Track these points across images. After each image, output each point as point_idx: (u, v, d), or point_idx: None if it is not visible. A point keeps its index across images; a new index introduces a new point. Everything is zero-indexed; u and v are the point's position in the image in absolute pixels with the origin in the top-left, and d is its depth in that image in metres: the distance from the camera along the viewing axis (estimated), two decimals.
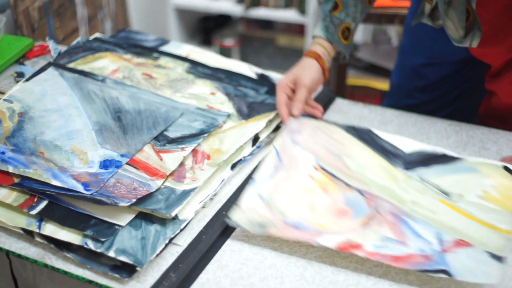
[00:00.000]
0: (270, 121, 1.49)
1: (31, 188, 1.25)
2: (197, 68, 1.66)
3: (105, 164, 1.32)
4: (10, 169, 1.28)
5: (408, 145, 1.38)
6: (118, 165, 1.31)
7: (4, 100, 1.46)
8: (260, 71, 1.69)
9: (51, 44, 1.75)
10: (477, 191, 1.27)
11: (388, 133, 1.41)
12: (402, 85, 1.86)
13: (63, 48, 1.77)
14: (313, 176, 1.30)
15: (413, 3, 1.79)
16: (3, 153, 1.32)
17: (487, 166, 1.32)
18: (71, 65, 1.62)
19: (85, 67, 1.62)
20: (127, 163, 1.31)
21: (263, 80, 1.65)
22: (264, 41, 3.22)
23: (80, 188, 1.24)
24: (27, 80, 1.55)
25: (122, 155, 1.34)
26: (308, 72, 1.48)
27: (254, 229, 1.19)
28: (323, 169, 1.32)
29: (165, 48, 1.75)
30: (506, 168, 1.31)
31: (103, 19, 2.49)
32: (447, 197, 1.26)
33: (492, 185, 1.28)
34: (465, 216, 1.22)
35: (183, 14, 3.09)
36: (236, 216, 1.21)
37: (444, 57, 1.71)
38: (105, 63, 1.65)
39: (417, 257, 1.14)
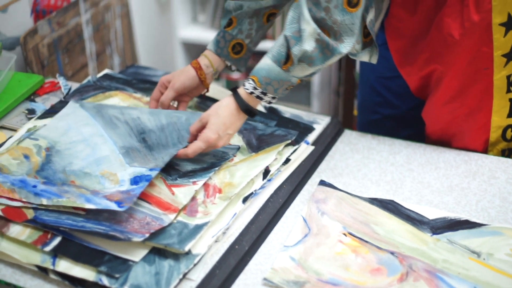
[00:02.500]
0: (280, 153, 1.50)
1: (44, 224, 1.26)
2: (206, 103, 1.67)
3: (135, 180, 1.34)
4: (44, 201, 1.30)
5: (431, 212, 1.39)
6: (148, 179, 1.33)
7: (30, 138, 1.48)
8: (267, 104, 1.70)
9: (61, 80, 1.77)
10: (506, 250, 1.29)
11: (411, 202, 1.43)
12: (365, 102, 1.90)
13: (73, 84, 1.79)
14: (343, 241, 1.32)
15: None
16: (34, 186, 1.34)
17: (511, 229, 1.34)
18: None
19: None
20: (140, 198, 1.32)
21: (272, 113, 1.66)
22: None
23: (113, 206, 1.25)
24: (46, 115, 1.57)
25: (151, 169, 1.36)
26: (183, 78, 1.59)
27: (290, 287, 1.20)
28: (352, 234, 1.34)
29: None
30: None
31: (112, 54, 2.52)
32: (477, 256, 1.28)
33: None
34: (498, 272, 1.23)
35: (190, 47, 3.12)
36: (271, 277, 1.22)
37: (392, 71, 1.74)
38: (115, 101, 1.67)
39: None
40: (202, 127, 1.42)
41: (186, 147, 1.42)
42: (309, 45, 1.33)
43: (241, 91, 1.41)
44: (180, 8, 3.01)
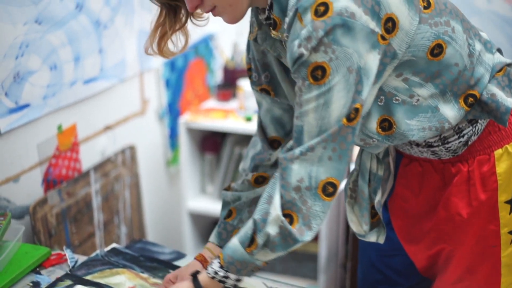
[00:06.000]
0: None
1: None
2: None
3: None
4: None
5: None
6: None
7: None
8: (274, 286, 1.69)
9: (68, 253, 1.77)
10: None
11: None
12: (366, 279, 1.87)
13: (79, 257, 1.79)
14: None
15: None
16: None
17: None
18: (88, 277, 1.64)
19: (102, 281, 1.63)
20: None
21: None
22: None
23: None
24: None
25: None
26: (190, 270, 1.55)
27: None
28: None
29: (180, 263, 1.77)
30: None
31: (119, 225, 2.53)
32: None
33: None
34: None
35: (198, 218, 3.13)
36: None
37: (394, 250, 1.73)
38: (122, 280, 1.66)
39: None
40: None
41: None
42: (272, 230, 1.33)
43: (202, 276, 1.42)
44: (189, 179, 3.06)
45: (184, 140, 2.98)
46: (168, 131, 2.99)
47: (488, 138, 1.48)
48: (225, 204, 1.65)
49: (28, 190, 2.08)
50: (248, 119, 2.90)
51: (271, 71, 1.54)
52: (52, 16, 2.06)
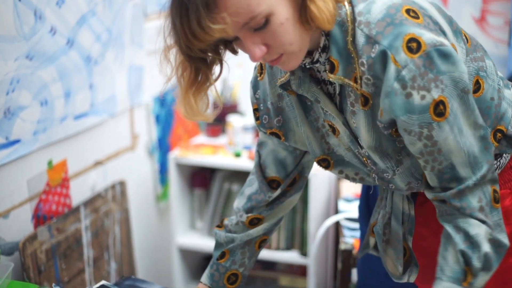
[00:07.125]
0: None
1: None
2: None
3: None
4: None
5: None
6: None
7: None
8: None
9: None
10: None
11: None
12: None
13: None
14: None
15: (361, 238, 1.83)
16: None
17: None
18: None
19: None
20: None
21: None
22: (266, 281, 3.23)
23: None
24: None
25: None
26: None
27: None
28: None
29: None
30: None
31: (109, 260, 2.52)
32: None
33: None
34: None
35: (187, 254, 3.12)
36: None
37: (398, 287, 1.70)
38: None
39: None
40: None
41: None
42: (487, 247, 1.29)
43: None
44: (179, 215, 3.06)
45: (173, 176, 2.99)
46: (158, 167, 2.99)
47: (509, 173, 1.48)
48: (218, 245, 1.64)
49: (18, 226, 2.07)
50: (237, 155, 2.91)
51: (284, 115, 1.51)
52: (43, 52, 2.07)
